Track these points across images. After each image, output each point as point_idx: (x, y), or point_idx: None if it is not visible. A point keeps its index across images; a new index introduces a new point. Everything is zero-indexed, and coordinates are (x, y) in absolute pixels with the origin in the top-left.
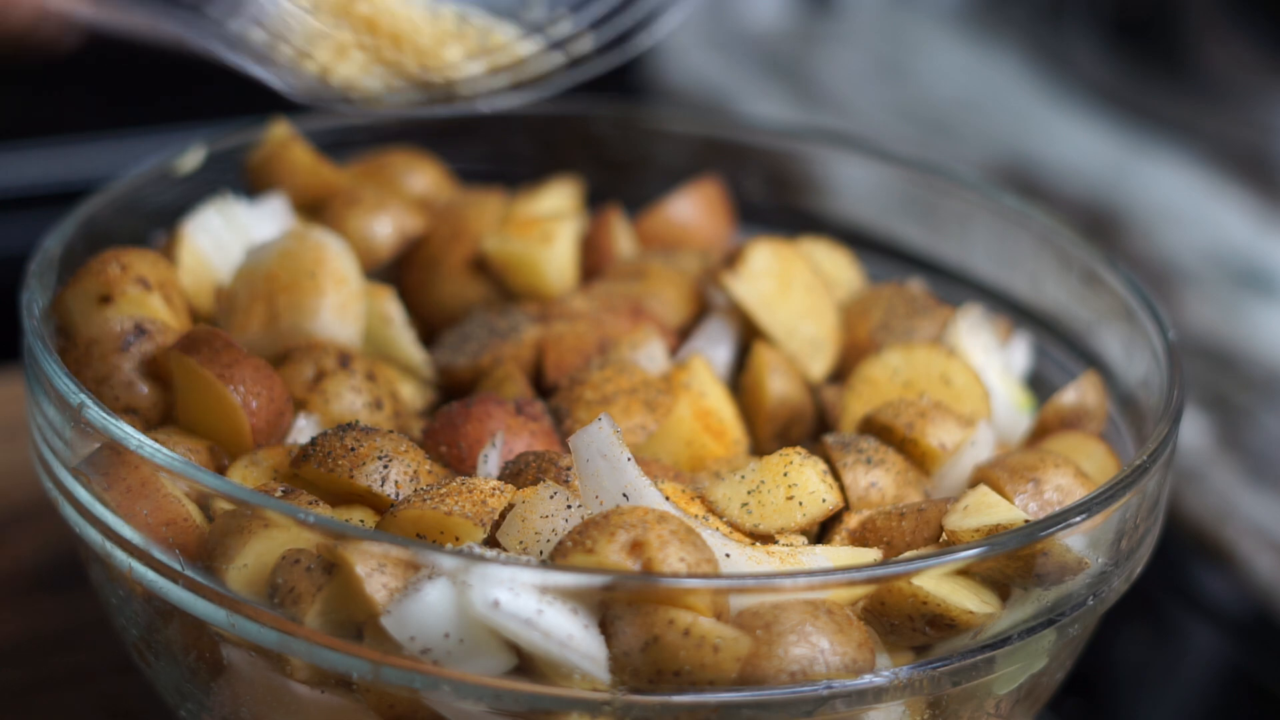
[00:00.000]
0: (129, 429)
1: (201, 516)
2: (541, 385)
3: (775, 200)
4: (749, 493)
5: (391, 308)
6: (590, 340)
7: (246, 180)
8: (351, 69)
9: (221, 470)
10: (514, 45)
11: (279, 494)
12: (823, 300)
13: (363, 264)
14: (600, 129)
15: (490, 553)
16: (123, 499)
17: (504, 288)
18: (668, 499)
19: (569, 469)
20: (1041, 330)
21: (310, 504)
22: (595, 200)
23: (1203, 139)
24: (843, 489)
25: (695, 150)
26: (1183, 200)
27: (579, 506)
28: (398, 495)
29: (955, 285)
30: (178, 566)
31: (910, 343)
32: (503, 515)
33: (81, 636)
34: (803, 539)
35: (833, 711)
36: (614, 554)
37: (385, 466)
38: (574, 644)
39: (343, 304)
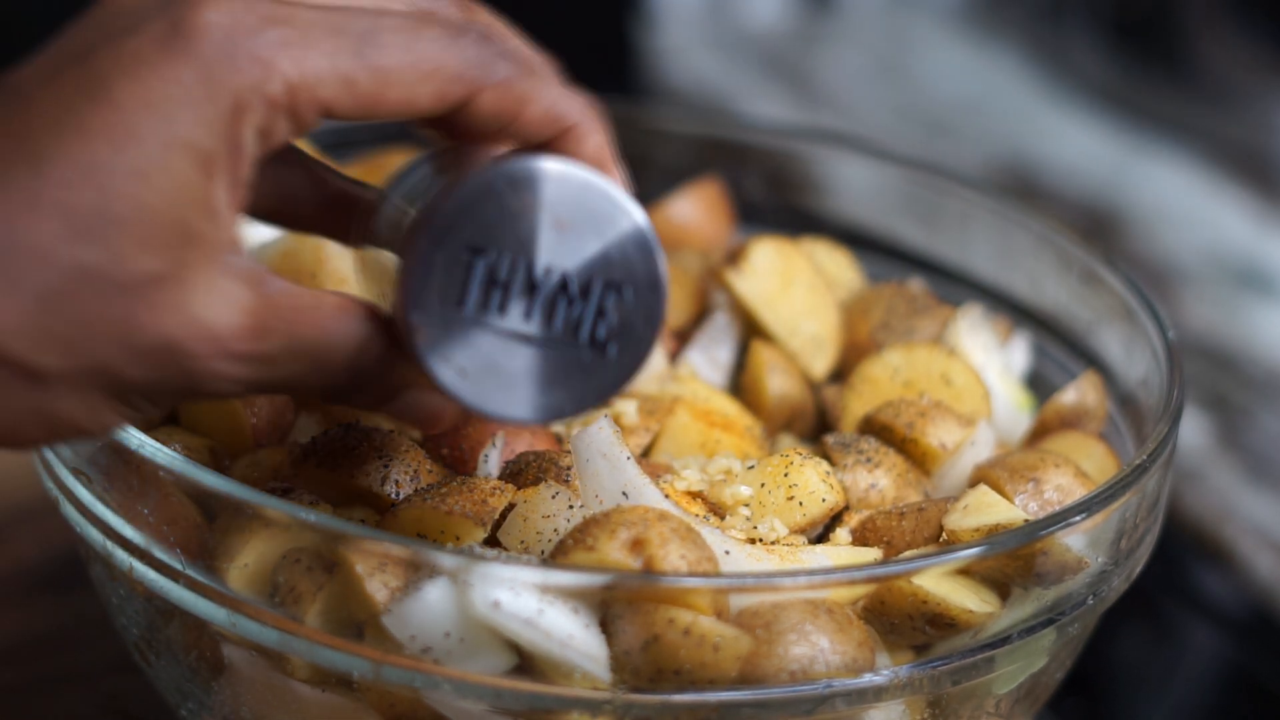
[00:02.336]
0: (130, 428)
1: (202, 516)
2: None
3: (775, 200)
4: (750, 493)
5: None
6: None
7: None
8: None
9: (222, 470)
10: None
11: (280, 493)
12: (824, 298)
13: None
14: None
15: (491, 552)
16: (124, 498)
17: None
18: (667, 498)
19: (569, 469)
20: (1041, 330)
21: (311, 503)
22: None
23: (1203, 139)
24: (843, 489)
25: (695, 150)
26: (1183, 200)
27: (581, 507)
28: (398, 495)
29: (955, 285)
30: (179, 566)
31: (910, 342)
32: (503, 515)
33: (82, 636)
34: (803, 539)
35: (833, 710)
36: (615, 551)
37: (386, 466)
38: (575, 643)
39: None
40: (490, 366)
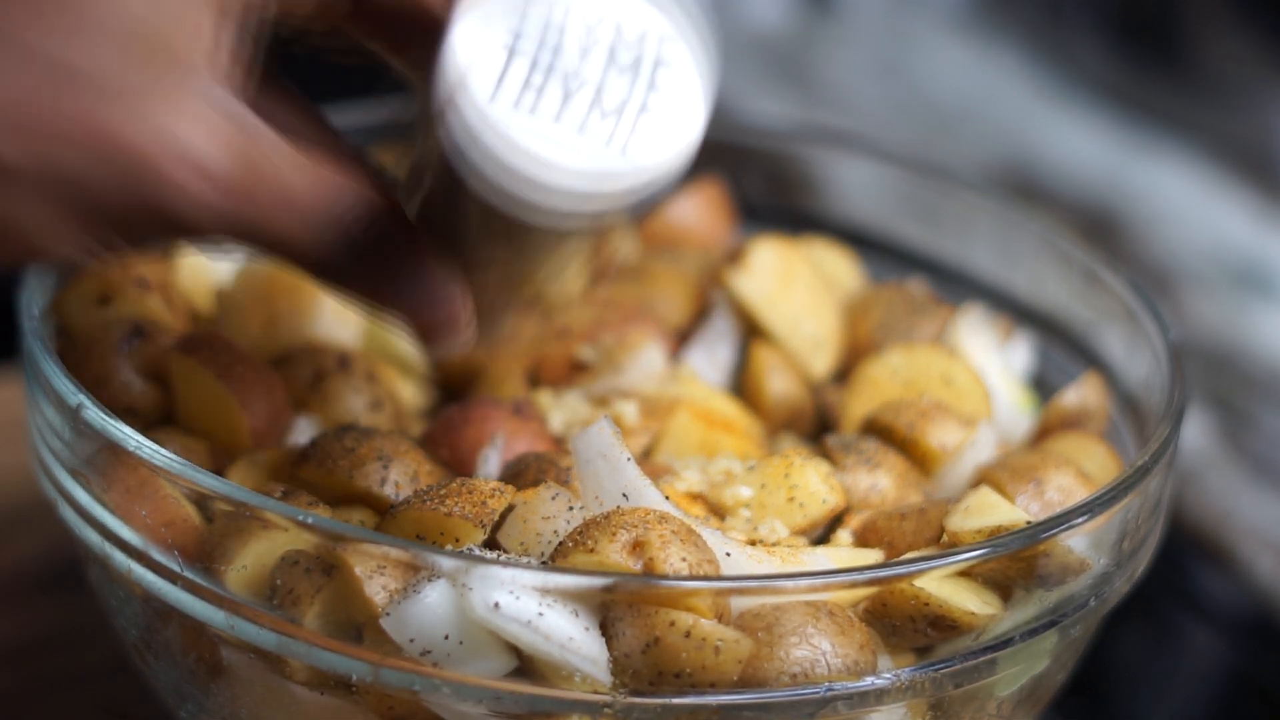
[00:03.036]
0: (128, 430)
1: (200, 517)
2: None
3: (775, 200)
4: (750, 494)
5: None
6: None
7: None
8: None
9: (221, 471)
10: None
11: (278, 495)
12: (824, 299)
13: None
14: None
15: (490, 554)
16: (122, 500)
17: None
18: (668, 499)
19: (569, 470)
20: (1042, 330)
21: (310, 505)
22: None
23: (1204, 138)
24: (844, 490)
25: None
26: (1183, 200)
27: (580, 508)
28: (397, 496)
29: (955, 285)
30: (176, 568)
31: (911, 343)
32: (503, 516)
33: (81, 637)
34: (804, 540)
35: (834, 713)
36: (615, 553)
37: (385, 467)
38: (575, 646)
39: (343, 305)
40: (518, 150)
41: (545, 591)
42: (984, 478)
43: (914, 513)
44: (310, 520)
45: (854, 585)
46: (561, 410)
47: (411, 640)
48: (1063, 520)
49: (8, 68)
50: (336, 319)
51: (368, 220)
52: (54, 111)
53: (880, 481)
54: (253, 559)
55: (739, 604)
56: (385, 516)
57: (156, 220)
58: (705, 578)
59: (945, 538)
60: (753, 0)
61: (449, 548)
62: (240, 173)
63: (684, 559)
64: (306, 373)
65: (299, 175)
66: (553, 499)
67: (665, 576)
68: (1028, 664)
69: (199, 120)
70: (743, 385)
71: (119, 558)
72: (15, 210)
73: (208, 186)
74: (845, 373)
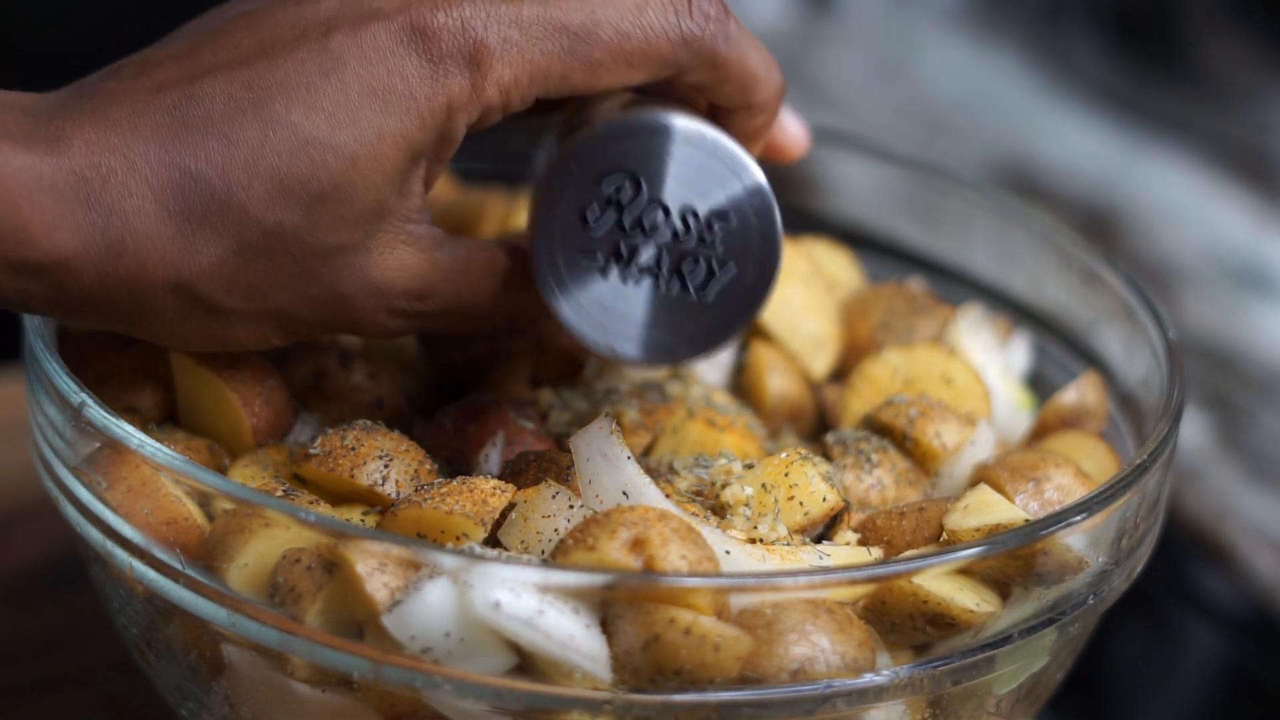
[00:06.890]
0: (130, 428)
1: (202, 516)
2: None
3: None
4: (750, 493)
5: None
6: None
7: None
8: None
9: (222, 469)
10: None
11: (280, 493)
12: (824, 298)
13: None
14: None
15: (491, 552)
16: (123, 498)
17: None
18: (668, 497)
19: (570, 468)
20: (1041, 329)
21: (311, 503)
22: None
23: (1203, 138)
24: (843, 488)
25: None
26: (1183, 200)
27: (581, 506)
28: (398, 494)
29: (955, 285)
30: (178, 566)
31: (911, 342)
32: (504, 515)
33: (82, 636)
34: (803, 538)
35: (833, 710)
36: (615, 551)
37: (386, 466)
38: (575, 644)
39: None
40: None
41: (546, 589)
42: (983, 476)
43: (913, 511)
44: (312, 518)
45: (853, 583)
46: (561, 410)
47: (412, 637)
48: (1061, 518)
49: (234, 230)
50: None
51: (511, 297)
52: (272, 268)
53: (880, 480)
54: (254, 557)
55: (738, 601)
56: (386, 514)
57: (346, 330)
58: (705, 575)
59: (944, 536)
60: (753, 0)
61: (450, 546)
62: (419, 299)
63: (684, 557)
64: (307, 371)
65: (465, 281)
66: (553, 497)
67: (665, 574)
68: (1026, 662)
69: (395, 261)
70: (743, 385)
71: (121, 556)
72: (231, 333)
73: (391, 314)
74: (845, 372)
